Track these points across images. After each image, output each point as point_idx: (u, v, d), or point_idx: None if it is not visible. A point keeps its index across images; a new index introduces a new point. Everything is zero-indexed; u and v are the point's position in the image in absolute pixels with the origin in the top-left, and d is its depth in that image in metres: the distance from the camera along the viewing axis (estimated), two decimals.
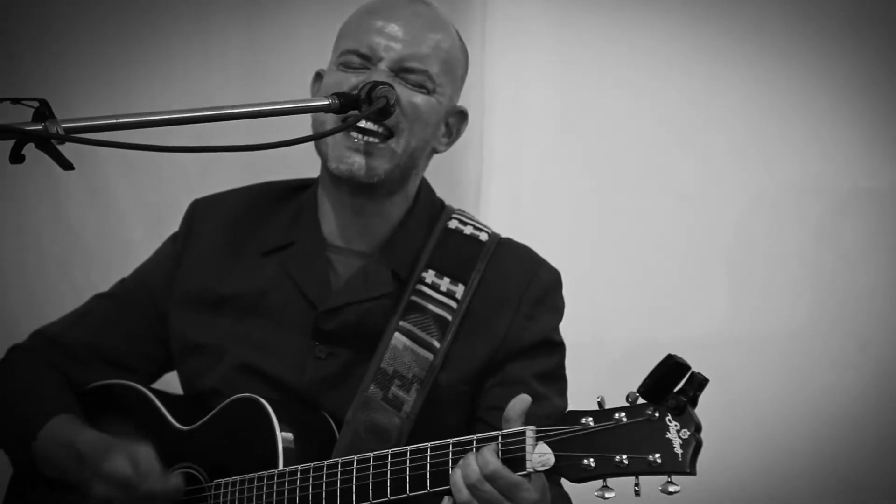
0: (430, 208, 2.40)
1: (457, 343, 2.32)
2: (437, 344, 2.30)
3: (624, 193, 3.20)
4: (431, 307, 2.32)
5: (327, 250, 2.36)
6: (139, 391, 2.40)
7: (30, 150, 1.81)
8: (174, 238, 2.46)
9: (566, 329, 2.40)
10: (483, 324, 2.33)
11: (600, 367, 3.04)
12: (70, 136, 1.78)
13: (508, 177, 3.29)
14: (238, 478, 2.21)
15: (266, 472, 2.18)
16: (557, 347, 2.37)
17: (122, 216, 3.24)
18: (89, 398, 2.41)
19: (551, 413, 2.17)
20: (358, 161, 2.27)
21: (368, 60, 2.28)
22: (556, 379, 2.36)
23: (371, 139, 2.26)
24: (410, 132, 2.28)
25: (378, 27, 2.29)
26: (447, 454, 2.07)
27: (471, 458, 2.03)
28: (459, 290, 2.34)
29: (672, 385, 1.93)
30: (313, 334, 2.31)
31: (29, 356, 2.47)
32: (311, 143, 2.31)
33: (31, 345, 2.48)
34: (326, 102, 2.16)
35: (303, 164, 3.10)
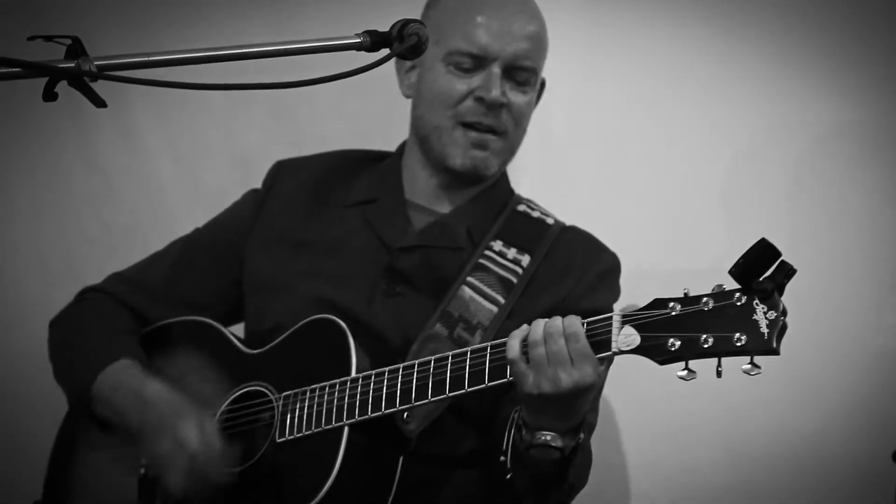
0: (505, 191, 2.52)
1: (520, 301, 2.39)
2: (501, 299, 2.38)
3: (628, 136, 3.22)
4: (497, 270, 2.41)
5: (408, 207, 2.47)
6: (209, 323, 2.46)
7: (62, 88, 1.82)
8: (255, 192, 2.55)
9: None
10: (546, 287, 2.41)
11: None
12: (103, 73, 1.78)
13: None
14: (308, 388, 2.25)
15: (337, 380, 2.23)
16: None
17: (150, 155, 3.25)
18: (162, 334, 2.47)
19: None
20: (480, 156, 2.43)
21: (481, 60, 2.38)
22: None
23: (489, 136, 2.42)
24: (516, 131, 2.44)
25: (488, 25, 2.40)
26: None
27: (557, 318, 2.11)
28: (525, 259, 2.42)
29: (762, 270, 1.95)
30: (385, 272, 2.39)
31: (103, 297, 2.52)
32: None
33: (105, 285, 2.55)
34: (357, 41, 2.17)
35: (328, 104, 3.12)
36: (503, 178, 2.53)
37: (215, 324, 2.46)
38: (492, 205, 2.50)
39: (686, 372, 1.96)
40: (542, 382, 2.09)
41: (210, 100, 3.22)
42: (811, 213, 3.22)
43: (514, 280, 2.39)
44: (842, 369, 3.25)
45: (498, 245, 2.43)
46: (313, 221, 2.49)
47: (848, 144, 3.18)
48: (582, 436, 2.17)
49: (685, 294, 2.01)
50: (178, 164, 3.25)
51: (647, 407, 3.19)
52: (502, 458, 2.17)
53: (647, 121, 3.17)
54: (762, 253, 1.94)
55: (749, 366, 1.95)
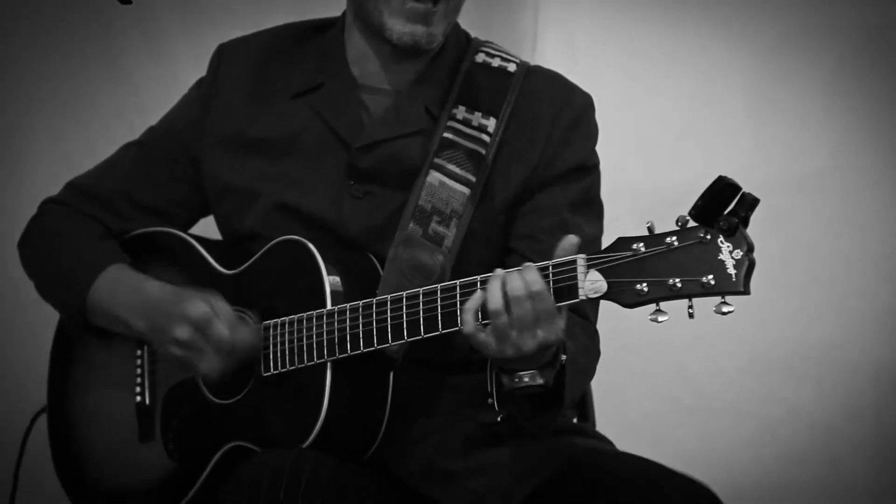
0: (457, 43, 2.35)
1: (492, 176, 2.28)
2: (472, 178, 2.27)
3: (670, 46, 3.18)
4: (464, 142, 2.29)
5: (357, 90, 2.32)
6: (179, 237, 2.40)
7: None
8: (200, 83, 2.44)
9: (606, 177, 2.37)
10: (516, 154, 2.28)
11: (631, 211, 3.05)
12: None
13: (565, 30, 3.25)
14: (286, 318, 2.21)
15: (315, 312, 2.18)
16: (591, 170, 2.32)
17: (175, 61, 3.24)
18: (128, 247, 2.42)
19: (585, 242, 2.12)
20: (420, 30, 2.24)
21: None
22: (590, 203, 2.33)
23: (430, 6, 2.22)
24: None
25: None
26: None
27: (514, 274, 2.02)
28: (491, 123, 2.29)
29: (723, 206, 1.90)
30: (348, 173, 2.29)
31: (66, 208, 2.46)
32: None
33: (66, 197, 2.48)
34: None
35: None
36: (453, 31, 2.34)
37: (186, 237, 2.40)
38: (446, 63, 2.33)
39: (657, 313, 1.94)
40: (506, 349, 2.03)
41: (232, 2, 3.21)
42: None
43: (483, 151, 2.27)
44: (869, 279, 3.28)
45: (461, 112, 2.29)
46: (261, 116, 2.36)
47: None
48: (564, 357, 2.11)
49: (649, 230, 1.96)
50: (202, 69, 3.26)
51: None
52: (490, 400, 2.13)
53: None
54: (721, 190, 1.89)
55: (721, 304, 1.91)
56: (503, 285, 2.02)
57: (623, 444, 2.28)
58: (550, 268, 2.00)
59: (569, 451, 2.25)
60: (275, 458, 2.09)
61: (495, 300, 2.01)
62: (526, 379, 2.08)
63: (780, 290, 3.32)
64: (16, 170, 3.41)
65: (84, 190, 2.46)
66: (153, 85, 3.25)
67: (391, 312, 2.13)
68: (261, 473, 2.06)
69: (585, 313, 2.29)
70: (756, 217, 1.90)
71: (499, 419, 2.13)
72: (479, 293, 2.05)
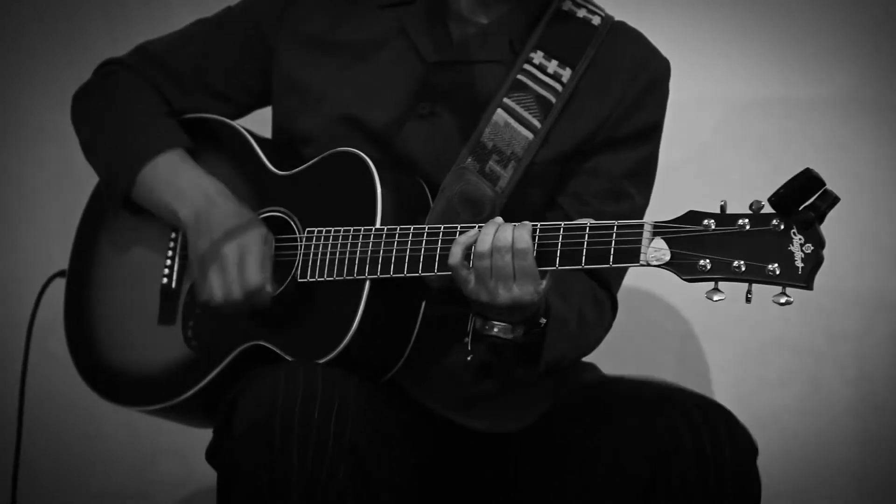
0: None
1: (557, 125, 2.25)
2: (537, 124, 2.24)
3: None
4: (536, 87, 2.25)
5: (447, 15, 2.29)
6: (234, 128, 2.36)
7: None
8: None
9: None
10: (586, 108, 2.26)
11: None
12: None
13: None
14: (332, 229, 2.18)
15: (363, 228, 2.15)
16: (655, 137, 2.31)
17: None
18: (185, 129, 2.37)
19: (629, 213, 2.15)
20: None
21: None
22: (648, 172, 2.31)
23: None
24: None
25: None
26: (557, 234, 2.04)
27: (509, 227, 2.03)
28: (566, 73, 2.26)
29: (804, 199, 1.87)
30: (419, 91, 2.25)
31: (134, 73, 2.40)
32: None
33: (135, 62, 2.42)
34: None
35: None
36: None
37: (241, 130, 2.35)
38: (534, 11, 2.29)
39: (714, 292, 1.91)
40: (481, 292, 2.04)
41: None
42: None
43: (553, 99, 2.23)
44: None
45: (538, 57, 2.25)
46: (345, 19, 2.33)
47: None
48: (544, 321, 2.12)
49: (721, 209, 1.93)
50: None
51: None
52: (466, 339, 2.14)
53: None
54: (805, 183, 1.85)
55: (780, 295, 1.90)
56: (495, 234, 2.03)
57: None
58: (615, 227, 1.98)
59: (578, 379, 2.32)
60: (305, 376, 2.05)
61: (483, 244, 2.03)
62: (496, 329, 2.10)
63: None
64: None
65: (156, 58, 2.40)
66: None
67: (441, 243, 2.11)
68: (293, 391, 2.03)
69: (607, 282, 2.31)
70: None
71: (468, 358, 2.17)
72: (473, 232, 2.06)
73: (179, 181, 2.29)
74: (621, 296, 2.33)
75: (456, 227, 2.10)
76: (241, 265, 2.19)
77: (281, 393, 2.03)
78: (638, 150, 2.28)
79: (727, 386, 3.30)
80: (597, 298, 2.29)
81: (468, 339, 2.14)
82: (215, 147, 2.37)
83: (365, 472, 2.03)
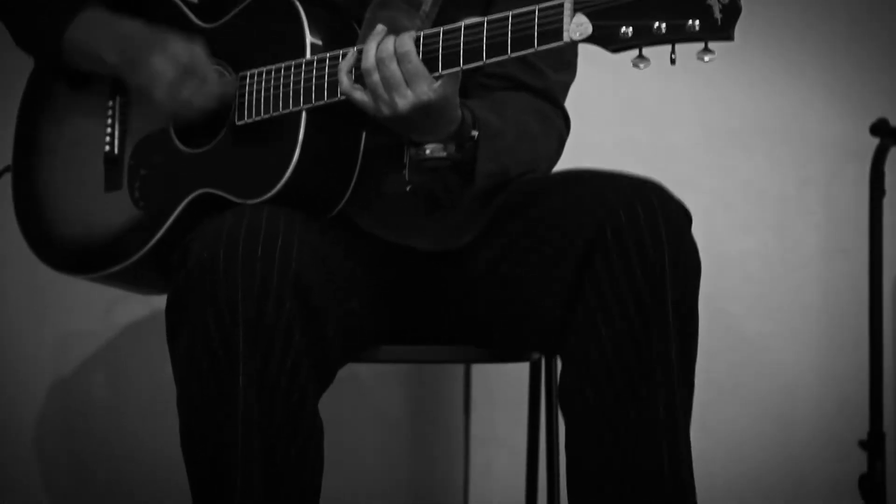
0: None
1: None
2: None
3: None
4: None
5: None
6: None
7: None
8: None
9: None
10: None
11: None
12: None
13: None
14: (264, 68, 2.19)
15: (293, 62, 2.16)
16: None
17: None
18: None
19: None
20: None
21: None
22: None
23: None
24: None
25: None
26: (481, 31, 2.02)
27: (389, 38, 2.05)
28: None
29: None
30: None
31: None
32: None
33: None
34: None
35: None
36: None
37: None
38: None
39: (640, 60, 1.89)
40: (382, 107, 2.05)
41: None
42: None
43: None
44: None
45: None
46: None
47: None
48: (475, 133, 2.14)
49: None
50: None
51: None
52: (403, 171, 2.16)
53: None
54: None
55: (703, 52, 1.88)
56: (376, 48, 2.06)
57: None
58: (536, 11, 1.98)
59: (517, 183, 2.29)
60: (250, 214, 2.07)
61: (367, 60, 2.06)
62: (428, 150, 2.12)
63: (736, 64, 3.36)
64: None
65: None
66: None
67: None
68: (237, 228, 2.04)
69: (552, 96, 2.32)
70: None
71: (407, 188, 2.19)
72: (353, 53, 2.09)
73: (98, 31, 2.30)
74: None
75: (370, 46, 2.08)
76: (185, 70, 2.21)
77: (224, 232, 2.04)
78: None
79: (695, 231, 3.32)
80: (541, 112, 2.30)
81: (405, 171, 2.15)
82: (137, 6, 2.37)
83: (312, 307, 2.05)
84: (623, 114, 3.32)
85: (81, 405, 3.34)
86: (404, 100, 2.05)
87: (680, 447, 2.05)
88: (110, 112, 2.39)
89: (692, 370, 2.09)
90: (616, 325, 2.06)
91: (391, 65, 2.04)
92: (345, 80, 2.09)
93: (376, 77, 2.05)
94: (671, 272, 2.05)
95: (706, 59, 1.89)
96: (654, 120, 3.37)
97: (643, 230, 2.05)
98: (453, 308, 2.30)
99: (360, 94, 2.09)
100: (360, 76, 2.09)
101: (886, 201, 2.99)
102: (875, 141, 3.03)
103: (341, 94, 2.10)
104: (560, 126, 2.37)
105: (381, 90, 2.06)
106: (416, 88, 2.04)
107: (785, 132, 3.40)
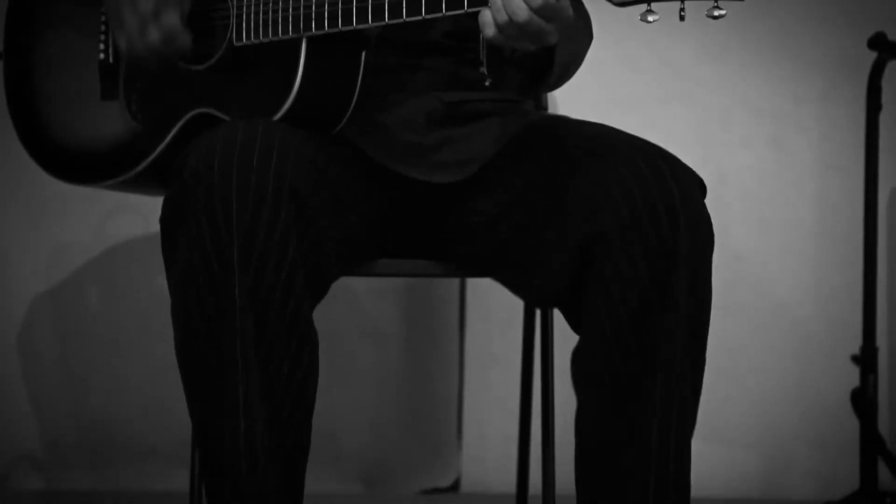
0: None
1: None
2: None
3: None
4: None
5: None
6: None
7: None
8: None
9: None
10: None
11: None
12: None
13: None
14: None
15: None
16: None
17: None
18: None
19: None
20: None
21: None
22: None
23: None
24: None
25: None
26: None
27: None
28: None
29: None
30: None
31: None
32: None
33: None
34: None
35: None
36: None
37: None
38: None
39: (647, 13, 1.87)
40: (514, 45, 1.99)
41: None
42: None
43: None
44: None
45: None
46: None
47: None
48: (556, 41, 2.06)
49: None
50: None
51: None
52: (482, 69, 2.08)
53: None
54: None
55: (713, 9, 1.86)
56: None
57: None
58: None
59: (525, 119, 2.29)
60: (246, 126, 2.06)
61: (519, 14, 1.96)
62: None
63: None
64: None
65: None
66: None
67: None
68: (232, 140, 2.03)
69: None
70: None
71: (486, 83, 2.10)
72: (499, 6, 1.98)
73: None
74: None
75: None
76: (154, 9, 2.18)
77: (220, 144, 2.03)
78: None
79: (692, 147, 3.32)
80: (578, 8, 2.21)
81: (483, 67, 2.08)
82: None
83: (308, 218, 2.04)
84: (621, 30, 3.30)
85: (75, 317, 3.35)
86: (537, 43, 1.99)
87: (686, 430, 2.05)
88: (103, 19, 2.36)
89: (703, 351, 2.08)
90: (631, 302, 2.03)
91: (533, 20, 1.95)
92: (489, 31, 1.98)
93: (521, 30, 1.97)
94: (687, 254, 2.02)
95: (715, 14, 1.87)
96: (652, 37, 3.35)
97: (660, 214, 2.01)
98: (453, 238, 2.29)
99: (494, 33, 1.99)
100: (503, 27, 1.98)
101: (883, 116, 2.97)
102: (872, 55, 3.02)
103: (485, 36, 1.99)
104: (590, 23, 2.35)
105: (518, 38, 1.98)
106: (552, 35, 1.98)
107: (781, 48, 3.39)
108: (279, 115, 2.12)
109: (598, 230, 2.04)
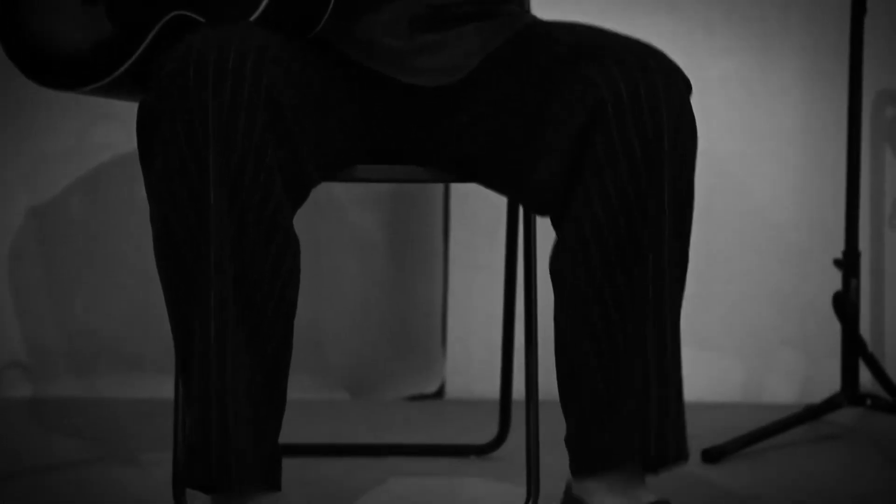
0: None
1: None
2: None
3: None
4: None
5: None
6: None
7: None
8: None
9: None
10: None
11: None
12: None
13: None
14: None
15: None
16: None
17: None
18: None
19: None
20: None
21: None
22: None
23: None
24: None
25: None
26: None
27: None
28: None
29: None
30: None
31: None
32: None
33: None
34: None
35: None
36: None
37: None
38: None
39: None
40: None
41: None
42: None
43: None
44: None
45: None
46: None
47: None
48: None
49: None
50: None
51: None
52: None
53: None
54: None
55: None
56: None
57: None
58: None
59: (513, 22, 2.27)
60: (222, 31, 2.04)
61: None
62: None
63: None
64: None
65: None
66: None
67: None
68: (207, 44, 2.02)
69: None
70: None
71: None
72: None
73: None
74: None
75: None
76: None
77: (195, 47, 2.02)
78: None
79: (676, 54, 3.31)
80: None
81: None
82: None
83: (286, 122, 2.03)
84: None
85: (61, 226, 3.35)
86: None
87: (665, 327, 2.06)
88: None
89: (686, 247, 2.09)
90: (613, 202, 2.04)
91: None
92: None
93: None
94: (669, 152, 2.04)
95: None
96: None
97: (643, 108, 2.03)
98: (439, 140, 2.27)
99: None
100: None
101: (868, 19, 2.96)
102: None
103: None
104: None
105: None
106: None
107: None
108: (256, 14, 2.10)
109: (595, 110, 2.05)
